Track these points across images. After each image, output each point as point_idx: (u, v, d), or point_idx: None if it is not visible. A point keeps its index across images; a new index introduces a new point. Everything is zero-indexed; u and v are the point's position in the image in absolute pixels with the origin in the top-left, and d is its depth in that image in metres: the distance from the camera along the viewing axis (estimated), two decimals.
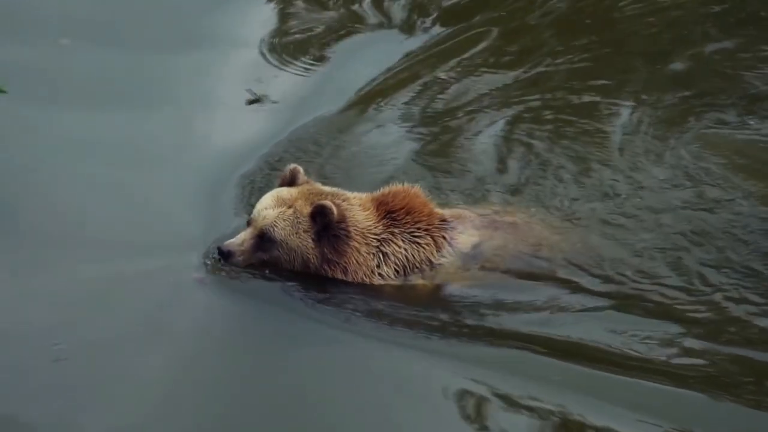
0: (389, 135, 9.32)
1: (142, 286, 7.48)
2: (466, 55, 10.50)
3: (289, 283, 7.43)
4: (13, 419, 6.42)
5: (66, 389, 6.62)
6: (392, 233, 7.47)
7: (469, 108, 9.72)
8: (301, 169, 7.56)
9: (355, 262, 7.36)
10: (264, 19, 10.97)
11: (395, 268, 7.46)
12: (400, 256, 7.45)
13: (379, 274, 7.43)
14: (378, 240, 7.43)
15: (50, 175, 8.58)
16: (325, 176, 8.45)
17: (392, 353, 7.03)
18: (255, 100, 9.43)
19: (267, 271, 7.45)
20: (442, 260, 7.53)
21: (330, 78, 10.15)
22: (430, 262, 7.51)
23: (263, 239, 7.29)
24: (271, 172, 8.51)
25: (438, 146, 9.18)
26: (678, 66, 10.27)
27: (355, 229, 7.37)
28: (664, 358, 6.92)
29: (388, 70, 10.32)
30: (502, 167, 8.84)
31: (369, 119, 9.55)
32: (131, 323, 7.16)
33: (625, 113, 9.52)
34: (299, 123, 9.35)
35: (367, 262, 7.39)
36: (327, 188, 7.58)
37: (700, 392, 6.68)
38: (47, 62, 9.97)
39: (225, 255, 7.27)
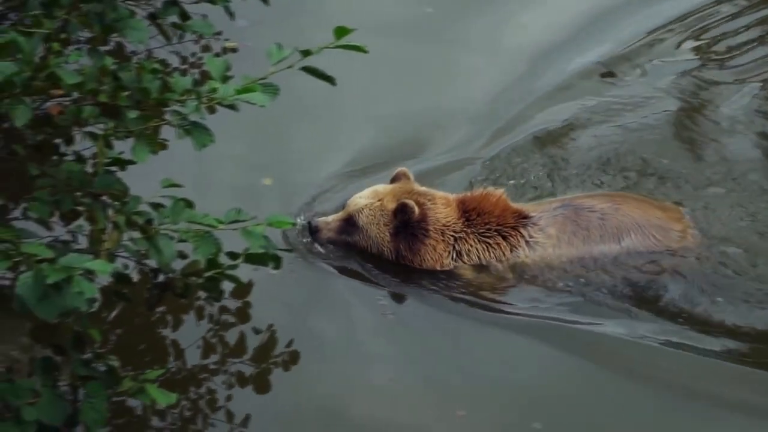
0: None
1: None
2: None
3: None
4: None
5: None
6: (466, 232, 7.96)
7: None
8: (407, 172, 8.16)
9: (430, 258, 7.92)
10: None
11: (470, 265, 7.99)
12: (473, 255, 7.95)
13: (455, 267, 7.98)
14: (455, 237, 7.95)
15: None
16: None
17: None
18: (608, 73, 10.11)
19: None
20: (517, 259, 7.94)
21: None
22: (505, 259, 7.96)
23: (349, 222, 7.98)
24: None
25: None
26: None
27: (434, 228, 7.91)
28: None
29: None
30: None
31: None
32: None
33: None
34: None
35: (442, 259, 7.94)
36: (420, 188, 8.13)
37: None
38: None
39: (312, 230, 8.00)
